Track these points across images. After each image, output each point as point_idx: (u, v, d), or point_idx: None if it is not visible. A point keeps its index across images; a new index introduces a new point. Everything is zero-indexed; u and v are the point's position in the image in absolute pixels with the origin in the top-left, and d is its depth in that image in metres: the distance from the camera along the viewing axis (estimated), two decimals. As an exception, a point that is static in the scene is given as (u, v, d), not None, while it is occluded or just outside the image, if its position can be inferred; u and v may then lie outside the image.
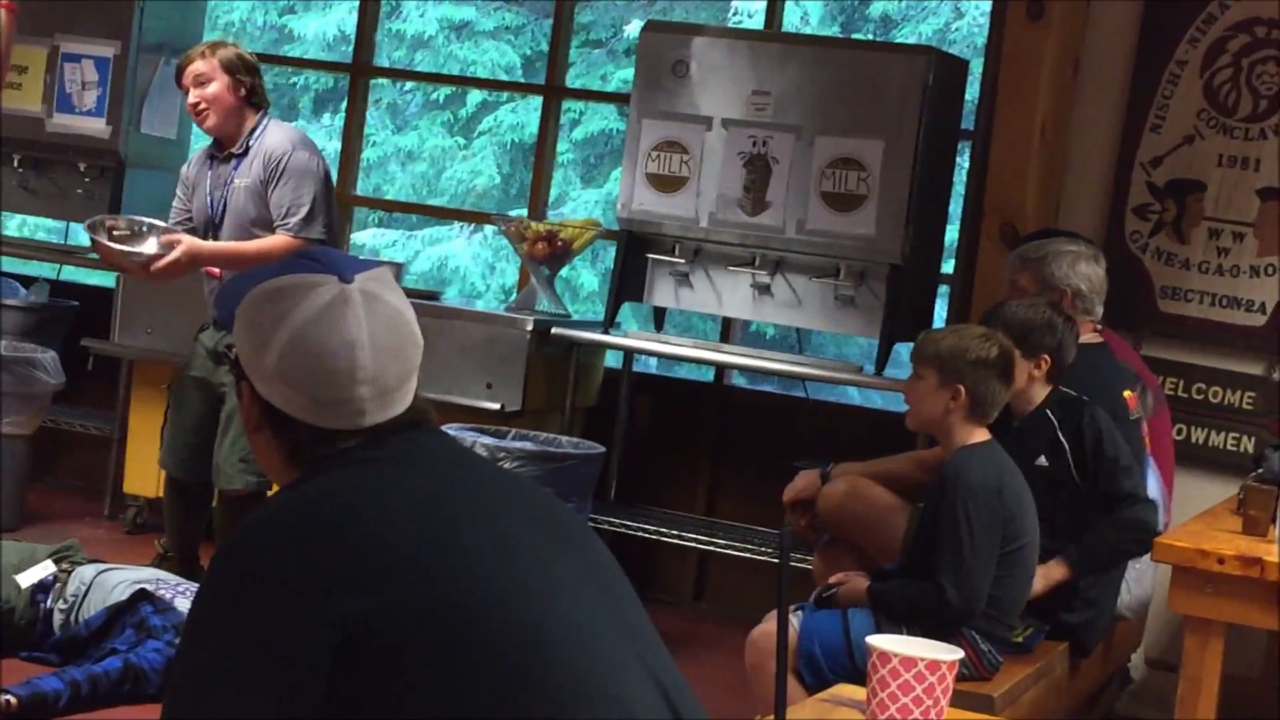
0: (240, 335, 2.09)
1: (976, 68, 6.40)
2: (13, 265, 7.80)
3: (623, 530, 6.20)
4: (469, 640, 1.86)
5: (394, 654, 1.83)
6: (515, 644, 1.87)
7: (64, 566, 5.01)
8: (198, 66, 5.46)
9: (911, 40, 11.40)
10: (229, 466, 5.40)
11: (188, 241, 5.30)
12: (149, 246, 5.33)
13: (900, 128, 5.88)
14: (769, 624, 4.08)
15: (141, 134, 7.01)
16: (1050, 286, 4.73)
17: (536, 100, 8.10)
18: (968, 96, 6.31)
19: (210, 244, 5.39)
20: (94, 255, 7.15)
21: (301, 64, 11.70)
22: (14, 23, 4.22)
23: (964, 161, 6.43)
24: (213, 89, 5.44)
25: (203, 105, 5.44)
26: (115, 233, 5.40)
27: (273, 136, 5.45)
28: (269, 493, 5.36)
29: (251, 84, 5.50)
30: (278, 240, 5.32)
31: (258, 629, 1.86)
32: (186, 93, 5.50)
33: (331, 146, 11.91)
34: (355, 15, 7.74)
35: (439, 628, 1.85)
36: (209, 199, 5.47)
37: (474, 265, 12.63)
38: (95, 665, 4.45)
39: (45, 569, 4.98)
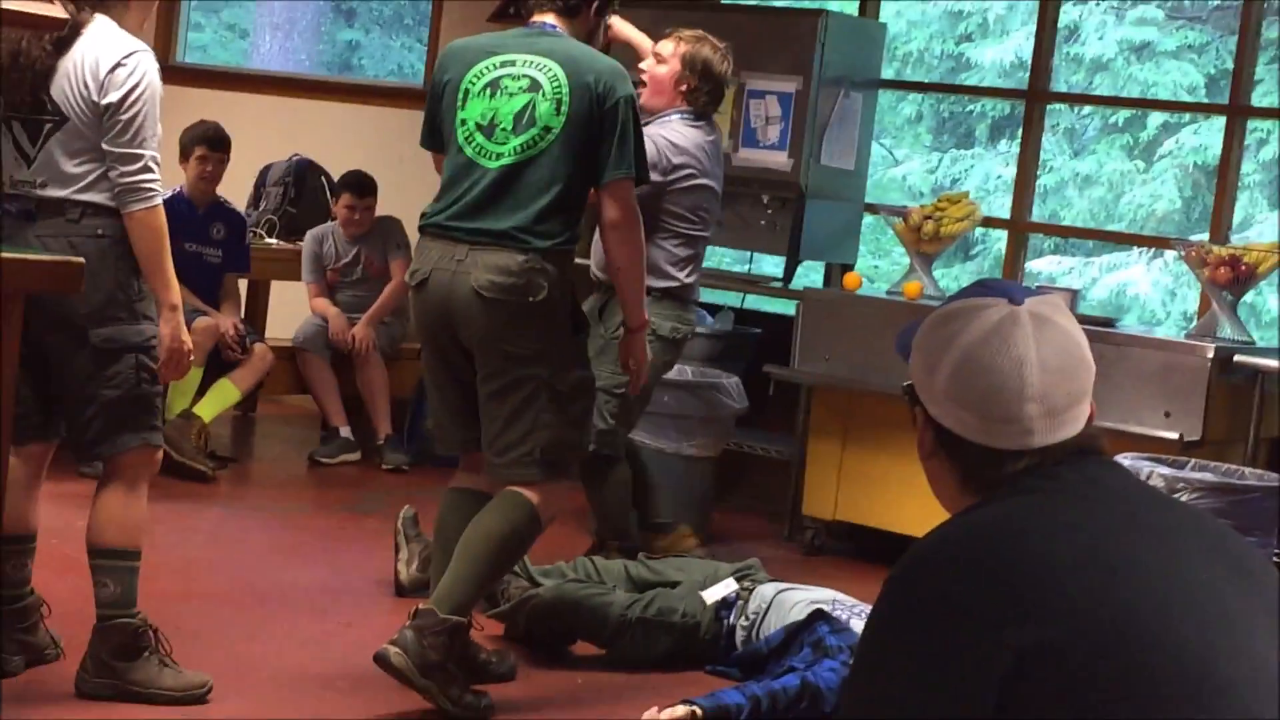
0: (914, 360, 2.14)
1: None
2: (700, 294, 8.15)
3: (1311, 568, 5.91)
4: (1141, 676, 1.82)
5: (1064, 686, 1.81)
6: (1189, 682, 1.82)
7: (745, 585, 5.18)
8: (665, 45, 5.69)
9: None
10: None
11: None
12: None
13: None
14: None
15: (821, 166, 7.20)
16: None
17: (1220, 121, 7.84)
18: None
19: None
20: (775, 283, 7.40)
21: (977, 92, 11.73)
22: None
23: None
24: (661, 70, 5.66)
25: (644, 79, 5.65)
26: None
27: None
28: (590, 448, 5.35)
29: (695, 86, 5.66)
30: None
31: (930, 652, 1.88)
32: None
33: (1008, 173, 11.87)
34: (1032, 41, 7.71)
35: (1110, 663, 1.83)
36: None
37: (1154, 291, 12.32)
38: (774, 681, 4.57)
39: (728, 586, 5.17)
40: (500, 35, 4.73)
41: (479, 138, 4.51)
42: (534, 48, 4.56)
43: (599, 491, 5.76)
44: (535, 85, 4.49)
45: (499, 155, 4.48)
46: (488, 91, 4.53)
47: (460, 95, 4.56)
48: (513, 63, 4.54)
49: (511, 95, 4.50)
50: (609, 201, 4.54)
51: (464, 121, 4.55)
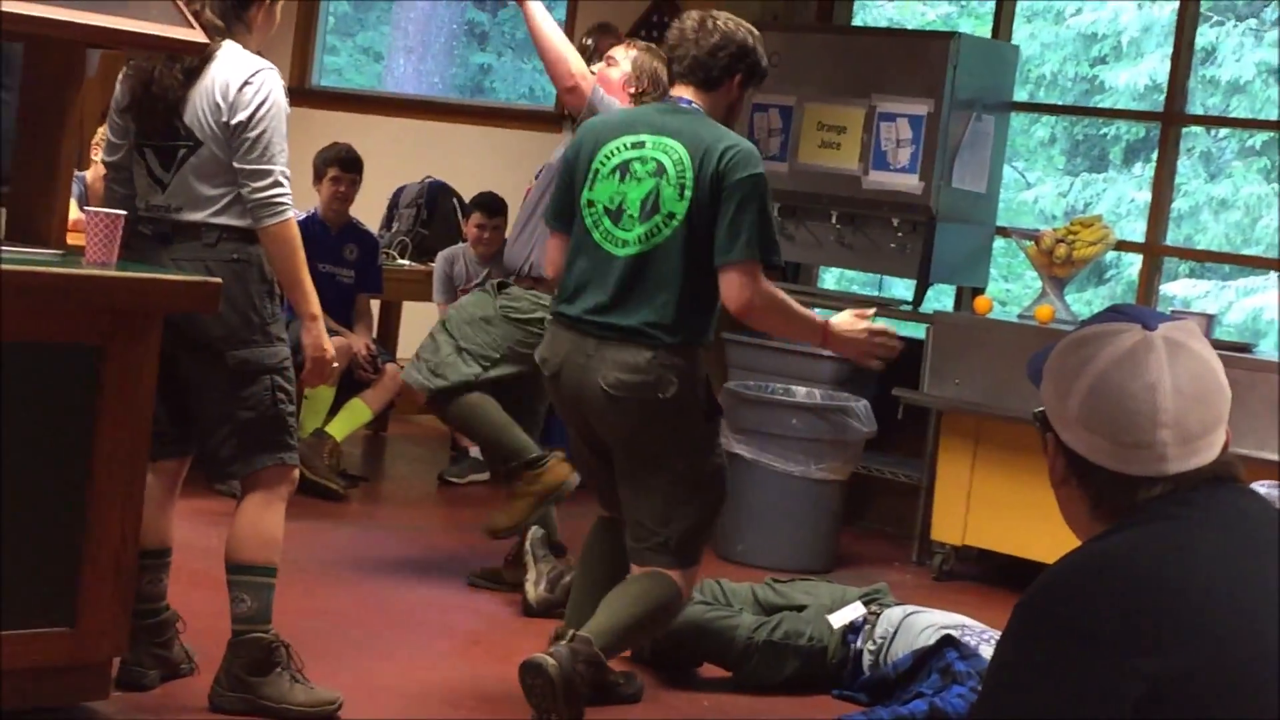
0: (1046, 386, 2.13)
1: None
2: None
3: None
4: (1271, 708, 1.80)
5: (1194, 715, 1.79)
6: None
7: (873, 609, 5.16)
8: (618, 50, 5.53)
9: None
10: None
11: None
12: None
13: None
14: None
15: (952, 189, 7.16)
16: None
17: (1361, 143, 7.72)
18: None
19: None
20: (905, 306, 7.36)
21: (1111, 114, 11.61)
22: None
23: None
24: (612, 72, 5.41)
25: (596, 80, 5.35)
26: None
27: None
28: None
29: (643, 90, 5.37)
30: None
31: (1061, 678, 1.87)
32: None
33: (1141, 197, 11.75)
34: (1168, 63, 7.62)
35: (1244, 693, 1.81)
36: None
37: (1291, 317, 12.13)
38: (901, 707, 4.55)
39: (856, 610, 5.14)
40: (635, 112, 4.65)
41: (606, 222, 4.42)
42: (664, 128, 4.42)
43: (471, 427, 5.79)
44: (660, 169, 4.37)
45: (625, 243, 4.38)
46: (617, 174, 4.42)
47: (590, 175, 4.46)
48: (643, 144, 4.42)
49: (640, 180, 4.39)
50: (726, 289, 4.32)
51: (591, 203, 4.45)
